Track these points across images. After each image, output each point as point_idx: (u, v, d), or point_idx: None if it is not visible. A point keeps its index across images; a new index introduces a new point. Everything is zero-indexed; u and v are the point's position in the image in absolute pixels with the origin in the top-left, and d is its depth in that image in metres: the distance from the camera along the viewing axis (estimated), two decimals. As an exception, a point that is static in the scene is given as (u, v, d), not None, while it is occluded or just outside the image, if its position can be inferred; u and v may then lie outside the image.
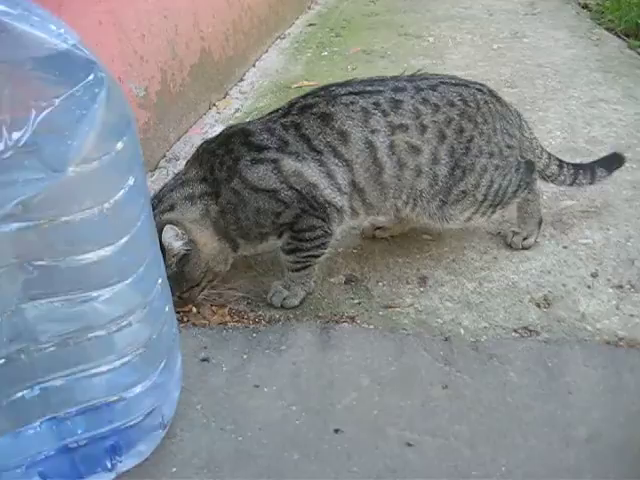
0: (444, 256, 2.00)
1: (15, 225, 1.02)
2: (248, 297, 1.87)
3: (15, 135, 0.98)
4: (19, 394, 1.13)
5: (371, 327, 1.71)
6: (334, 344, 1.59)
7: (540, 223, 2.01)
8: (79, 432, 1.21)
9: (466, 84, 1.88)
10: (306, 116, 1.72)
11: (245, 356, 1.57)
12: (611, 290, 1.84)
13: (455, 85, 1.85)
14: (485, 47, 3.63)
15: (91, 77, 1.02)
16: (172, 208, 1.70)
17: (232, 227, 1.74)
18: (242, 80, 3.34)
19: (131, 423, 1.24)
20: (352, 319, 1.77)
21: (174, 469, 1.30)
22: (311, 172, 1.70)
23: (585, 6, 4.26)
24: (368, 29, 4.01)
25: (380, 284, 1.91)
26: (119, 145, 1.08)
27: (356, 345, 1.58)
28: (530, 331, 1.71)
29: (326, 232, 1.78)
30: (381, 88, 1.78)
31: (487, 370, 1.50)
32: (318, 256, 1.81)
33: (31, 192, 0.99)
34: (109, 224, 1.11)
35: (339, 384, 1.47)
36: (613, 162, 2.10)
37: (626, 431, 1.35)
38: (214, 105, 3.02)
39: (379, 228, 2.07)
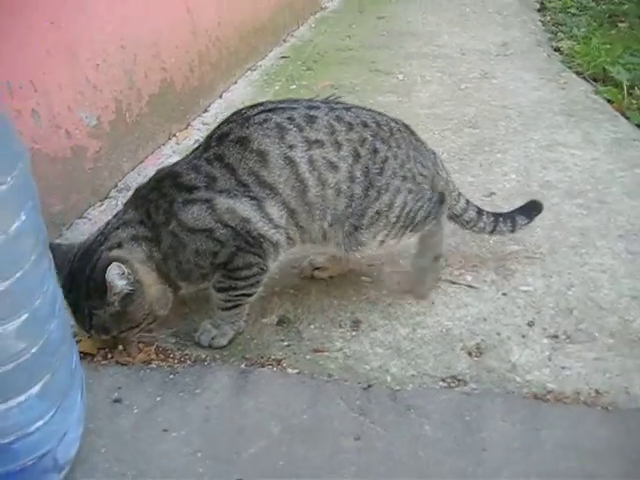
0: (381, 299, 1.97)
1: None
2: (177, 335, 1.84)
3: None
4: None
5: (295, 372, 1.68)
6: (250, 389, 1.56)
7: (438, 258, 1.99)
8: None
9: (380, 113, 1.91)
10: (225, 144, 1.71)
11: (159, 398, 1.54)
12: (546, 340, 1.81)
13: (369, 111, 1.89)
14: (453, 86, 3.65)
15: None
16: (120, 246, 1.67)
17: (174, 272, 1.72)
18: (206, 111, 3.33)
19: (20, 467, 1.20)
20: (278, 362, 1.74)
21: (66, 517, 1.27)
22: (243, 207, 1.69)
23: (557, 49, 4.29)
24: (340, 64, 4.03)
25: (312, 326, 1.88)
26: (8, 181, 1.06)
27: (272, 391, 1.55)
28: (458, 380, 1.69)
29: (262, 269, 1.76)
30: (295, 105, 1.80)
31: (402, 422, 1.47)
32: (250, 295, 1.79)
33: None
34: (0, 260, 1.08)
35: (249, 431, 1.44)
36: (532, 209, 2.11)
37: (535, 491, 1.32)
38: (174, 135, 3.01)
39: (318, 268, 2.05)
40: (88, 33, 2.37)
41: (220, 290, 1.77)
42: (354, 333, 1.85)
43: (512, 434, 1.44)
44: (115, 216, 1.78)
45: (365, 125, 1.81)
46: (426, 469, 1.35)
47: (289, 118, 1.74)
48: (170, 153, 2.89)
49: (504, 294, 1.99)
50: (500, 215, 2.07)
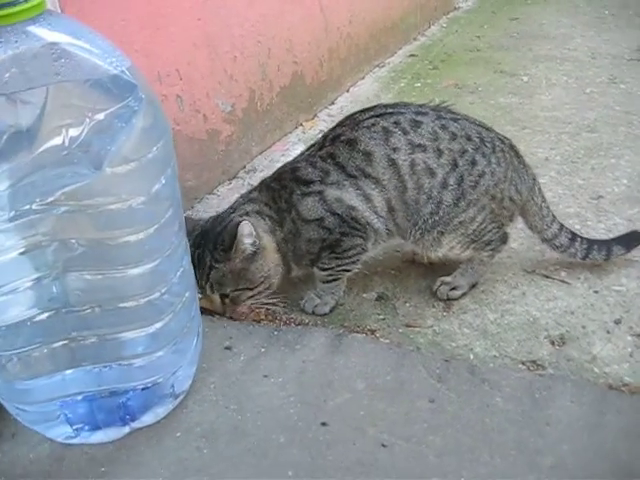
0: (475, 287, 2.10)
1: (62, 209, 1.26)
2: (285, 301, 2.06)
3: (73, 137, 1.23)
4: (56, 344, 1.37)
5: (386, 342, 1.86)
6: (343, 350, 1.75)
7: (474, 285, 2.07)
8: (102, 384, 1.45)
9: (489, 129, 2.00)
10: (337, 145, 1.91)
11: (263, 349, 1.77)
12: (630, 338, 1.88)
13: (477, 125, 1.98)
14: (577, 90, 3.65)
15: (132, 97, 1.25)
16: (247, 215, 1.90)
17: (290, 254, 1.95)
18: (333, 104, 3.55)
19: (142, 386, 1.46)
20: (372, 332, 1.92)
21: (178, 434, 1.52)
22: (349, 196, 1.88)
23: (698, 55, 4.16)
24: (466, 64, 4.12)
25: (407, 304, 2.05)
26: (153, 151, 1.31)
27: (363, 354, 1.73)
28: (537, 365, 1.80)
29: (363, 249, 1.95)
30: (403, 110, 1.94)
31: (475, 392, 1.61)
32: (350, 270, 1.99)
33: (75, 184, 1.23)
34: (142, 214, 1.34)
35: (337, 385, 1.63)
36: (632, 240, 2.12)
37: (591, 466, 1.43)
38: (301, 125, 3.25)
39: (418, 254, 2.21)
40: (229, 29, 2.64)
41: (324, 270, 1.98)
42: (445, 314, 2.00)
43: (578, 414, 1.55)
44: (241, 196, 2.03)
45: (469, 138, 1.91)
46: (489, 433, 1.49)
47: (395, 122, 1.90)
48: (296, 141, 3.13)
49: (595, 292, 2.06)
50: (595, 242, 2.10)
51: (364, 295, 2.10)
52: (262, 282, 1.89)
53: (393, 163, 1.87)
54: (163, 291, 1.40)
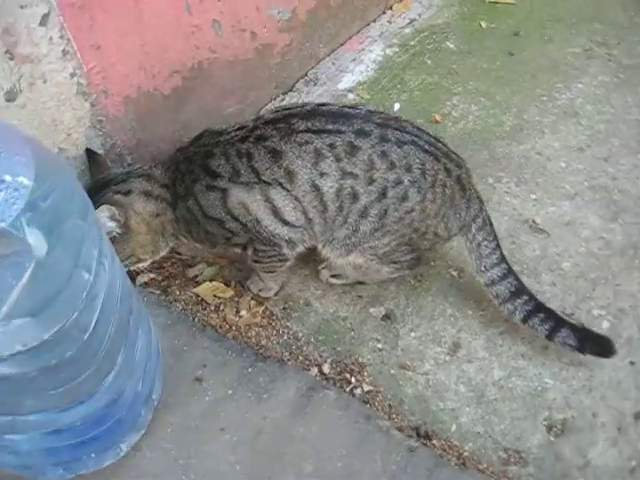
0: (495, 324, 1.88)
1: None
2: (287, 301, 1.95)
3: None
4: None
5: (368, 388, 1.74)
6: (307, 414, 1.66)
7: (360, 282, 1.99)
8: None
9: (438, 157, 1.69)
10: (259, 148, 1.66)
11: (231, 391, 1.71)
12: (642, 443, 1.67)
13: (425, 152, 1.67)
14: None
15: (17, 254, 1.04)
16: (128, 194, 1.74)
17: (183, 235, 1.83)
18: (440, -29, 2.96)
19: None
20: (360, 370, 1.81)
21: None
22: (256, 206, 1.69)
23: None
24: None
25: (413, 334, 1.88)
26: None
27: (326, 424, 1.64)
28: (520, 458, 1.65)
29: (279, 253, 1.81)
30: (343, 128, 1.64)
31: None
32: (282, 265, 1.87)
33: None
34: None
35: (287, 460, 1.57)
36: (593, 344, 1.74)
37: None
38: (389, 9, 2.76)
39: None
40: None
41: (255, 262, 1.86)
42: (448, 358, 1.83)
43: None
44: (142, 166, 1.83)
45: (408, 169, 1.65)
46: None
47: (330, 145, 1.63)
48: (376, 37, 2.69)
49: (632, 363, 1.80)
50: (544, 310, 1.76)
51: (371, 310, 1.93)
52: (126, 259, 1.76)
53: (317, 189, 1.65)
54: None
